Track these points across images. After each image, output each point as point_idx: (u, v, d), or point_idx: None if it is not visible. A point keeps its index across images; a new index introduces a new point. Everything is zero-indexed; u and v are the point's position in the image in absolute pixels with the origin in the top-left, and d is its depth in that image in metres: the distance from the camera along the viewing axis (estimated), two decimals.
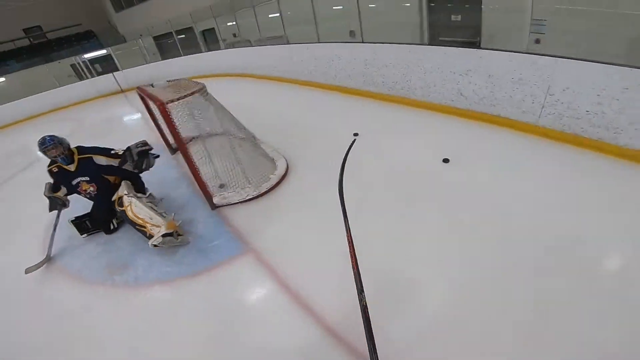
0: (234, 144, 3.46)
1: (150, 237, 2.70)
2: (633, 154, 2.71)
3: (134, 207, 2.82)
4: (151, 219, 2.76)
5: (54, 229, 3.09)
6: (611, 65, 2.64)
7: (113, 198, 2.96)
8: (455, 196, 2.71)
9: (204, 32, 10.89)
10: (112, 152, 3.03)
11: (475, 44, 4.36)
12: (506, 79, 3.36)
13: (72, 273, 2.84)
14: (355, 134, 4.00)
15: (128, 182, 3.06)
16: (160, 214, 2.80)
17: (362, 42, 4.69)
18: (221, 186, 3.46)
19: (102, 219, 3.16)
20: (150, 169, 3.07)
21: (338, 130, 4.19)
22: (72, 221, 3.10)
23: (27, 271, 2.84)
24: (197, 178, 2.99)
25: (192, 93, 2.78)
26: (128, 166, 2.94)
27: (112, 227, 3.20)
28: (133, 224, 2.81)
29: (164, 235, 2.65)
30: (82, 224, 3.17)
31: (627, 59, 2.64)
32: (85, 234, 3.20)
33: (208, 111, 3.13)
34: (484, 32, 4.30)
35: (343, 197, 2.59)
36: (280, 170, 3.46)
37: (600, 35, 3.38)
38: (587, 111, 2.89)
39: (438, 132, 3.77)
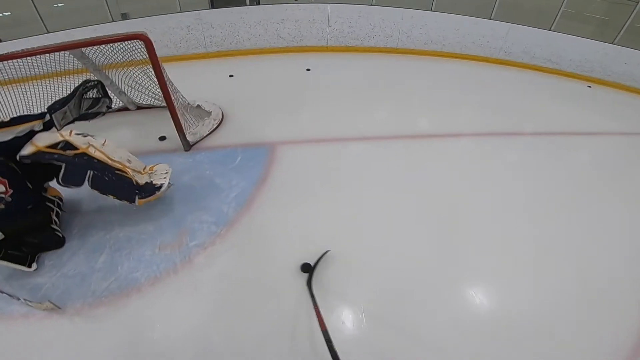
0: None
1: (136, 186, 2.26)
2: (370, 49, 5.69)
3: (102, 147, 2.13)
4: (130, 162, 2.26)
5: None
6: (351, 5, 5.30)
7: (27, 151, 1.92)
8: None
9: None
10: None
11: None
12: (306, 21, 5.40)
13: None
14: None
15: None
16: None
17: (181, 12, 5.06)
18: (161, 138, 3.35)
19: (38, 224, 2.17)
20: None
21: (209, 81, 4.74)
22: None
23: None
24: (176, 117, 2.93)
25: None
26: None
27: (60, 234, 2.26)
28: (104, 167, 2.10)
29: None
30: (11, 255, 2.08)
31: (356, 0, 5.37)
32: (34, 262, 2.13)
33: None
34: None
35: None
36: (211, 107, 3.80)
37: None
38: (348, 32, 5.55)
39: (284, 63, 5.33)
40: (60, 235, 2.27)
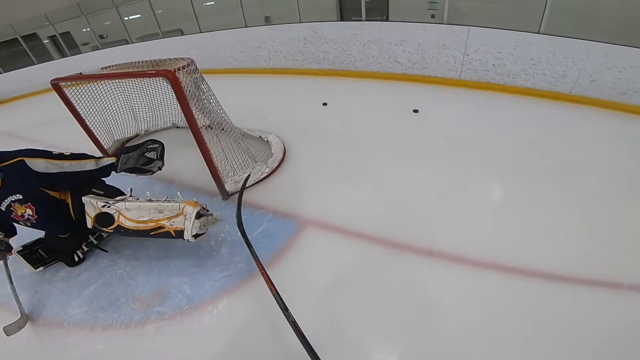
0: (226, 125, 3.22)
1: (179, 233, 2.12)
2: (525, 91, 4.06)
3: (127, 213, 2.18)
4: (161, 211, 2.14)
5: (10, 282, 2.26)
6: (505, 30, 3.83)
7: (89, 224, 2.25)
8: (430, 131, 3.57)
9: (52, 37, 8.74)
10: (56, 152, 2.18)
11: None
12: (432, 46, 4.29)
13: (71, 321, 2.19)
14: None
15: (90, 195, 2.31)
16: (167, 201, 2.19)
17: (300, 22, 4.93)
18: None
19: (63, 250, 2.44)
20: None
21: (303, 106, 4.43)
22: (18, 252, 2.39)
23: (8, 332, 2.04)
24: (211, 164, 2.78)
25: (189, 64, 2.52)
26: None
27: (77, 258, 2.50)
28: (140, 233, 2.18)
29: (197, 217, 2.08)
30: (33, 254, 2.45)
31: (514, 25, 3.86)
32: (41, 266, 2.47)
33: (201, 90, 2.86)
34: (391, 12, 5.18)
35: (244, 230, 2.30)
36: (277, 147, 3.50)
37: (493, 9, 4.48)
38: (493, 64, 4.09)
39: (391, 95, 4.44)
40: (77, 259, 2.49)
